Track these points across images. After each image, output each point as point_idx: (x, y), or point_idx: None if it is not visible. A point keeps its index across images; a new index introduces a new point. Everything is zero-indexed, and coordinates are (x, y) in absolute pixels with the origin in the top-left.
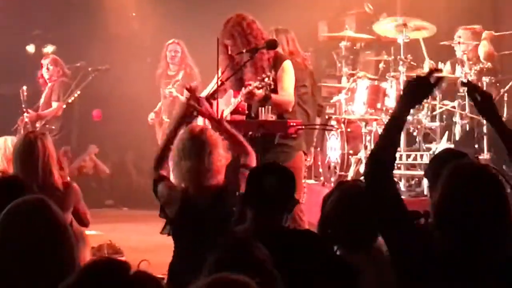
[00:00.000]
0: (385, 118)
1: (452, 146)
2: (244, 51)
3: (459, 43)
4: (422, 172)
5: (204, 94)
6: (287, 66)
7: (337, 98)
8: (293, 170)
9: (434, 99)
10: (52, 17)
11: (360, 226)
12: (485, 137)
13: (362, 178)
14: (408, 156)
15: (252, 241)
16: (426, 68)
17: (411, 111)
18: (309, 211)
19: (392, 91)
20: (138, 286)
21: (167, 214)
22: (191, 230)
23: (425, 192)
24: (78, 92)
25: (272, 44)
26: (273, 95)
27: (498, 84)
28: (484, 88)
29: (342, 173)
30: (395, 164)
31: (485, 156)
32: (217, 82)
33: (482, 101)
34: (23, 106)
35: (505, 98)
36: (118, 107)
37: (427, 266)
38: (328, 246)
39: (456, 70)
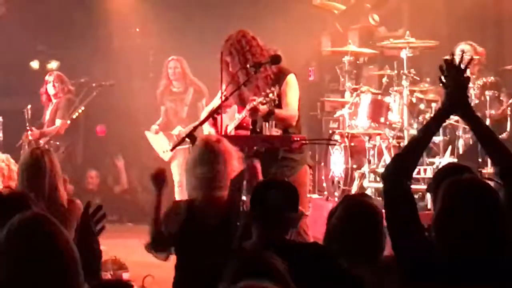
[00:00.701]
0: (389, 132)
1: (455, 160)
2: (248, 66)
3: (462, 56)
4: (425, 186)
5: (208, 109)
6: (291, 80)
7: (341, 113)
8: (298, 184)
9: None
10: (56, 33)
11: (366, 239)
12: None
13: (367, 192)
14: None
15: (270, 253)
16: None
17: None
18: (313, 226)
19: (395, 105)
20: None
21: (165, 236)
22: (197, 243)
23: (429, 206)
24: (82, 108)
25: (276, 59)
26: (276, 110)
27: (501, 99)
28: (488, 103)
29: (346, 187)
30: None
31: (488, 169)
32: (220, 98)
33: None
34: (27, 124)
35: (509, 112)
36: (121, 122)
37: (431, 277)
38: (335, 259)
39: None
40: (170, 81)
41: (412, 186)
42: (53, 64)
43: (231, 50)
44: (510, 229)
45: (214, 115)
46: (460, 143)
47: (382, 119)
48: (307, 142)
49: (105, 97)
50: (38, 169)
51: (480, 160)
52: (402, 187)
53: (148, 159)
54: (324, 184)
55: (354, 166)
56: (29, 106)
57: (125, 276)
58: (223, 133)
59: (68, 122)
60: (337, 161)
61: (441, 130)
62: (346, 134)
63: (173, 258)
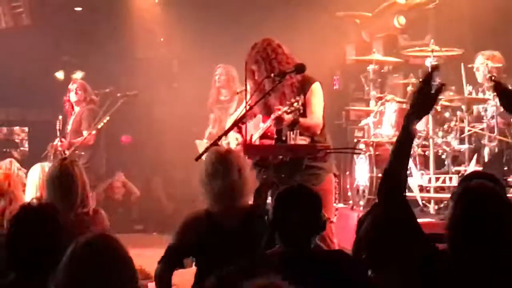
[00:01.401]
0: (414, 141)
1: (481, 168)
2: (272, 75)
3: (487, 65)
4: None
5: (233, 118)
6: (316, 88)
7: (366, 122)
8: (323, 192)
9: (462, 121)
10: (80, 43)
11: (393, 248)
12: None
13: None
14: (437, 179)
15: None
16: (466, 92)
17: (440, 133)
18: (338, 235)
19: None
20: None
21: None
22: (219, 252)
23: None
24: (108, 118)
25: (300, 68)
26: (301, 119)
27: None
28: None
29: (371, 196)
30: (424, 187)
31: None
32: (245, 107)
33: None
34: (58, 134)
35: None
36: (146, 132)
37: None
38: (363, 267)
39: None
40: (218, 89)
41: (438, 195)
42: (78, 75)
43: (257, 58)
44: None
45: (239, 124)
46: (486, 152)
47: None
48: (331, 151)
49: (130, 107)
50: (69, 180)
51: (505, 168)
52: (399, 202)
53: (173, 168)
54: (349, 193)
55: (379, 175)
56: (60, 117)
57: (151, 286)
58: (247, 142)
59: (94, 132)
60: (362, 170)
61: (466, 139)
62: (371, 143)
63: (195, 269)
